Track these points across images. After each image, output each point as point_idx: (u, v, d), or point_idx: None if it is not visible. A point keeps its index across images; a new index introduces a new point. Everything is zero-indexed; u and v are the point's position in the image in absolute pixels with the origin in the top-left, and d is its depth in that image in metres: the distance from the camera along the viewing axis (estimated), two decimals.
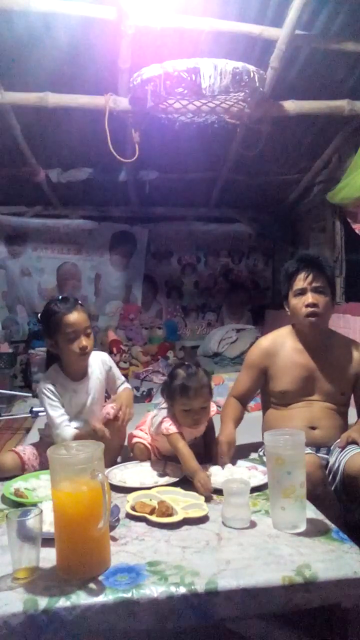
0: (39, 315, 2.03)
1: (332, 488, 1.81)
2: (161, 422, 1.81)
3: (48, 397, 1.90)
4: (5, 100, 3.20)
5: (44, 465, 1.89)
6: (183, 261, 5.75)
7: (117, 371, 2.11)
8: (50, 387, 1.92)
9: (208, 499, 1.54)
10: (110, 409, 1.94)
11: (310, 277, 1.95)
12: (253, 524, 1.40)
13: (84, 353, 1.91)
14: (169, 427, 1.78)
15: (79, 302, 1.99)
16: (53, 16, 2.75)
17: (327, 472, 1.83)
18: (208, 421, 1.97)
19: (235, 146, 4.02)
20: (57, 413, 1.88)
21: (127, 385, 2.15)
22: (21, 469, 1.85)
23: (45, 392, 1.91)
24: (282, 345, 2.05)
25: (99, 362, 2.02)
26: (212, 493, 1.58)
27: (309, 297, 1.94)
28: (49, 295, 5.45)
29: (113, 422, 1.91)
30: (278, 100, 3.32)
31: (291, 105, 3.35)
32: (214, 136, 3.51)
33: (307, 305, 1.94)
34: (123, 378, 2.14)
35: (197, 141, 3.75)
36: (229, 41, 2.95)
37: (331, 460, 1.87)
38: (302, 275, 1.96)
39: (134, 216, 5.49)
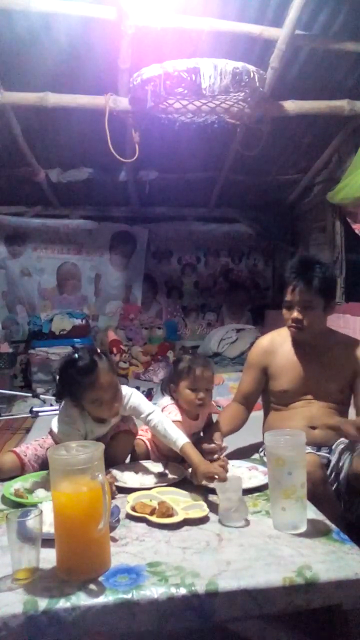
0: (56, 377, 1.75)
1: (333, 487, 1.81)
2: (163, 409, 1.84)
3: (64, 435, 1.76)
4: (5, 100, 3.20)
5: (45, 465, 1.87)
6: (183, 261, 5.75)
7: (144, 407, 1.80)
8: (68, 429, 1.76)
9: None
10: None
11: (296, 292, 1.92)
12: (254, 525, 1.40)
13: (114, 415, 1.78)
14: (169, 415, 1.81)
15: (100, 352, 1.74)
16: (53, 16, 2.75)
17: (328, 471, 1.84)
18: (207, 417, 1.99)
19: (235, 146, 4.02)
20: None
21: (158, 414, 1.78)
22: (21, 470, 1.84)
23: (61, 434, 1.77)
24: (281, 344, 2.05)
25: (123, 405, 1.80)
26: (207, 494, 1.57)
27: (294, 313, 1.94)
28: (49, 295, 5.47)
29: (126, 434, 1.88)
30: (278, 100, 3.32)
31: (291, 105, 3.35)
32: (214, 136, 3.51)
33: (293, 320, 1.94)
34: (152, 408, 1.80)
35: (197, 141, 3.75)
36: (229, 41, 2.95)
37: (333, 459, 1.87)
38: (290, 288, 1.94)
39: (134, 216, 5.49)
